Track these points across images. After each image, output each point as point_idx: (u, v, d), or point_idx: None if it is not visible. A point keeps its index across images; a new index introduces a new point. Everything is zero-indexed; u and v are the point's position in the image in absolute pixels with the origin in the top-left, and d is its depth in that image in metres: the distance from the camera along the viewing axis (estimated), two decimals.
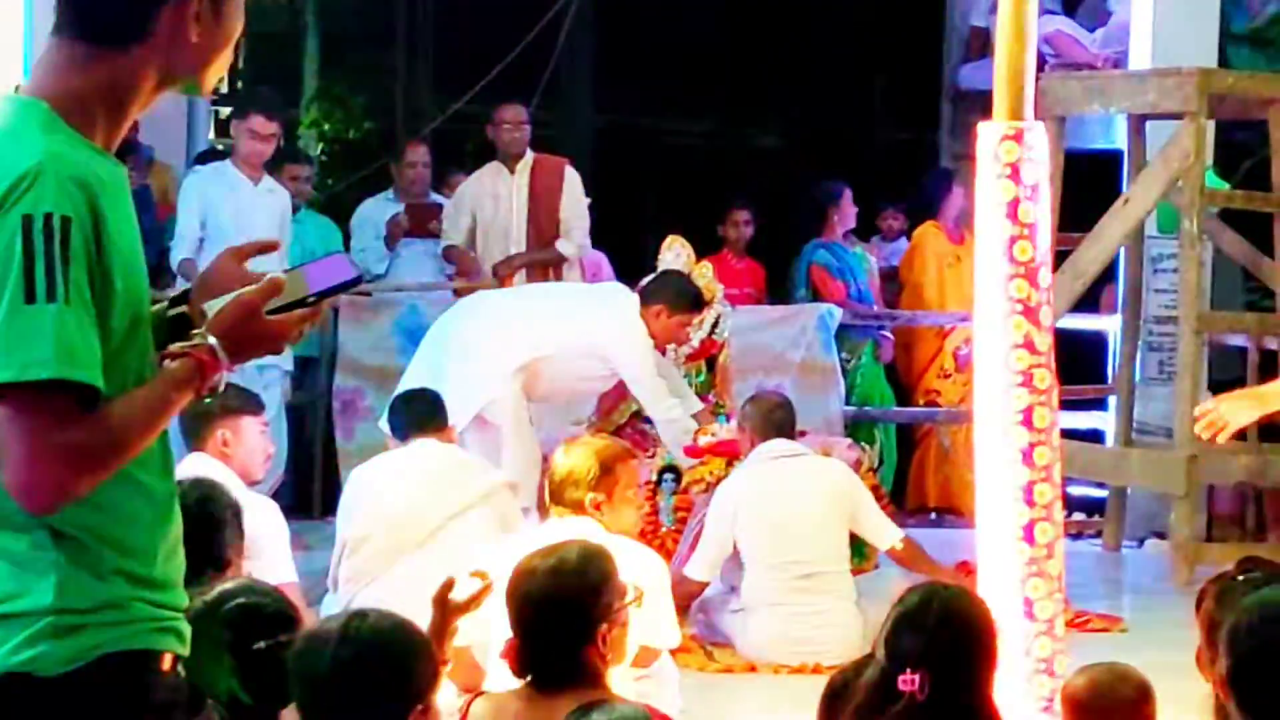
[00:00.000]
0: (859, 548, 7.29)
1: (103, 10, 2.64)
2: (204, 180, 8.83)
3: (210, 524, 4.34)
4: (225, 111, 14.25)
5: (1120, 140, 10.17)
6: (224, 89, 15.12)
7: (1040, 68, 9.38)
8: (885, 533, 7.18)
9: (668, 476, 7.66)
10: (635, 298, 7.74)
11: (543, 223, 9.23)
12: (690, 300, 7.75)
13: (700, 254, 8.58)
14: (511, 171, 9.25)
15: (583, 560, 3.88)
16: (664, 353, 7.88)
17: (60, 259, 2.49)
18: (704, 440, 7.79)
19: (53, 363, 2.47)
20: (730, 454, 7.67)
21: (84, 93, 2.64)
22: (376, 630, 3.22)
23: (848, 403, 10.06)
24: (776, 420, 7.26)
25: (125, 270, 2.59)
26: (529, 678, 3.77)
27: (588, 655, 3.71)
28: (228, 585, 3.67)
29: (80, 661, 2.56)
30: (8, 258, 2.49)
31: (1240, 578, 3.68)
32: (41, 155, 2.53)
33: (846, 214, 10.72)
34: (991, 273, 5.14)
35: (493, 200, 9.30)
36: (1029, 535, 5.02)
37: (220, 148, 11.76)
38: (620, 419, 8.03)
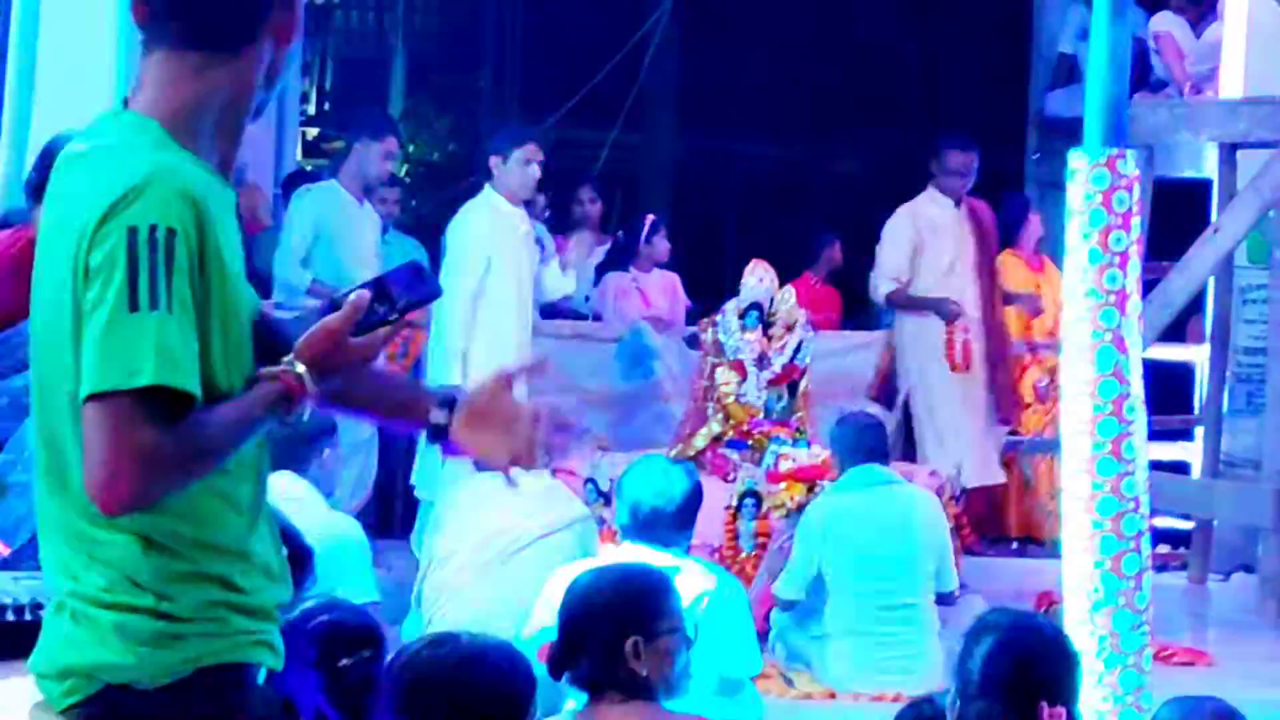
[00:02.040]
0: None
1: (216, 15, 2.67)
2: (316, 200, 8.88)
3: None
4: (313, 132, 14.37)
5: (1209, 169, 10.08)
6: (311, 110, 15.23)
7: (1139, 64, 9.32)
8: (946, 576, 7.09)
9: (748, 501, 7.62)
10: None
11: None
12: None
13: (782, 280, 8.55)
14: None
15: (627, 573, 3.91)
16: None
17: (164, 269, 2.52)
18: (785, 465, 7.75)
19: (153, 370, 2.50)
20: (811, 479, 7.63)
21: (197, 106, 2.67)
22: (440, 660, 3.21)
23: None
24: (867, 444, 7.20)
25: (228, 285, 2.62)
26: (573, 685, 3.77)
27: (621, 667, 3.69)
28: (312, 604, 3.69)
29: (180, 673, 2.59)
30: (112, 267, 2.52)
31: None
32: (150, 168, 2.56)
33: None
34: (1080, 302, 5.09)
35: None
36: (1116, 567, 4.97)
37: (309, 169, 11.84)
38: (702, 443, 8.00)
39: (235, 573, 2.65)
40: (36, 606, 3.04)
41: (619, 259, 10.35)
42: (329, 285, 8.28)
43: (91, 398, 2.51)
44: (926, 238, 9.72)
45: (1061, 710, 3.54)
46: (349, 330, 2.68)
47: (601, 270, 10.30)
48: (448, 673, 3.18)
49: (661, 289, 10.15)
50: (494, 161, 8.24)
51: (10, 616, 3.08)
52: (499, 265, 8.05)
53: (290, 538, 4.39)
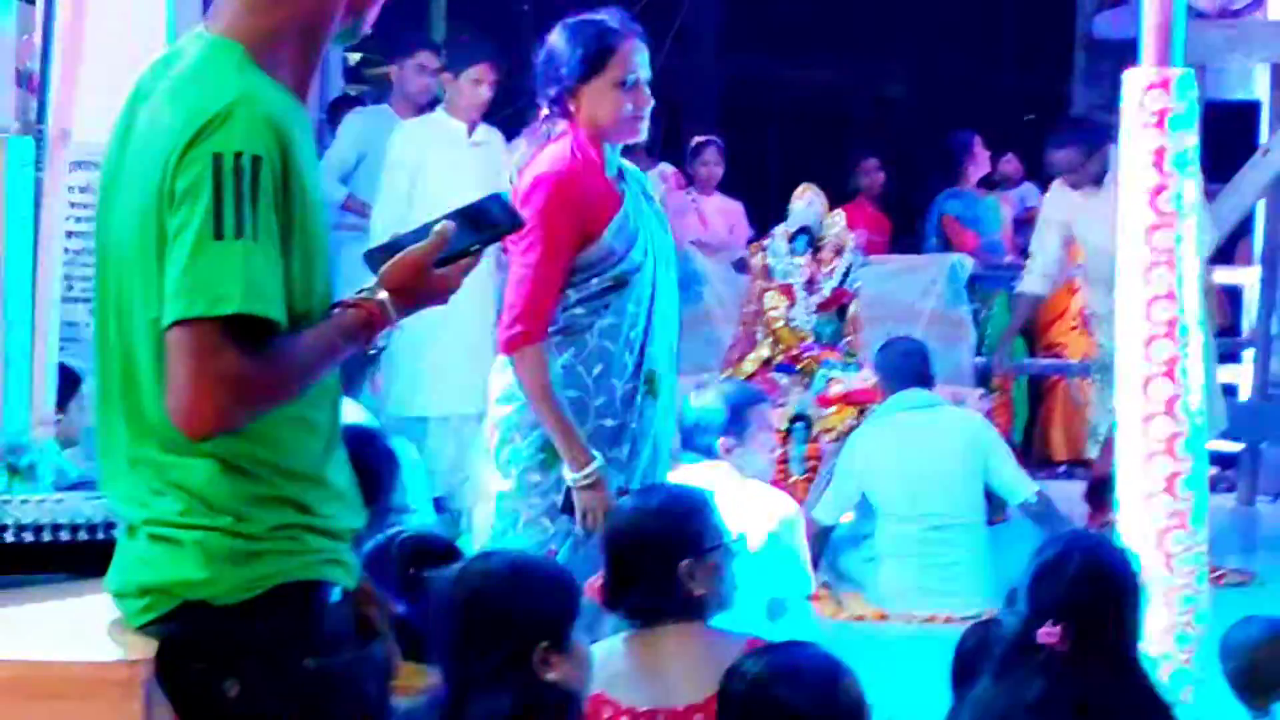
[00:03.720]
0: (993, 497, 7.25)
1: None
2: (366, 122, 8.87)
3: (367, 470, 4.39)
4: (355, 58, 14.34)
5: (1259, 91, 10.01)
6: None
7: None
8: (1020, 487, 7.13)
9: (798, 425, 7.64)
10: None
11: None
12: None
13: (832, 204, 8.53)
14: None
15: (668, 498, 3.91)
16: None
17: (250, 197, 2.53)
18: (835, 389, 7.77)
19: (240, 298, 2.52)
20: (861, 402, 7.64)
21: (277, 31, 2.67)
22: (491, 571, 3.25)
23: (979, 353, 9.99)
24: (912, 368, 7.22)
25: (309, 210, 2.64)
26: (629, 617, 3.78)
27: (674, 591, 3.72)
28: (400, 528, 3.77)
29: (256, 590, 2.62)
30: (197, 194, 2.53)
31: None
32: (234, 95, 2.57)
33: (980, 162, 10.65)
34: (1135, 223, 5.07)
35: None
36: (1170, 488, 4.97)
37: (352, 93, 11.83)
38: (751, 367, 8.02)
39: (311, 497, 2.67)
40: (109, 525, 3.07)
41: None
42: (363, 202, 8.29)
43: (177, 324, 2.53)
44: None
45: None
46: (433, 261, 2.69)
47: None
48: (498, 584, 3.22)
49: (721, 213, 10.14)
50: (445, 78, 8.18)
51: (84, 535, 3.11)
52: (429, 179, 7.90)
53: (373, 442, 4.45)
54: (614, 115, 4.53)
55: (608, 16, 4.62)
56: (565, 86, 4.54)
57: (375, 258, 2.74)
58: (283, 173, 2.58)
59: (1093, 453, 8.42)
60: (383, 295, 2.68)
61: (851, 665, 3.25)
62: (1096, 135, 8.05)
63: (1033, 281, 8.47)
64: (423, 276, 2.70)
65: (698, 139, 10.62)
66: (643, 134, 4.62)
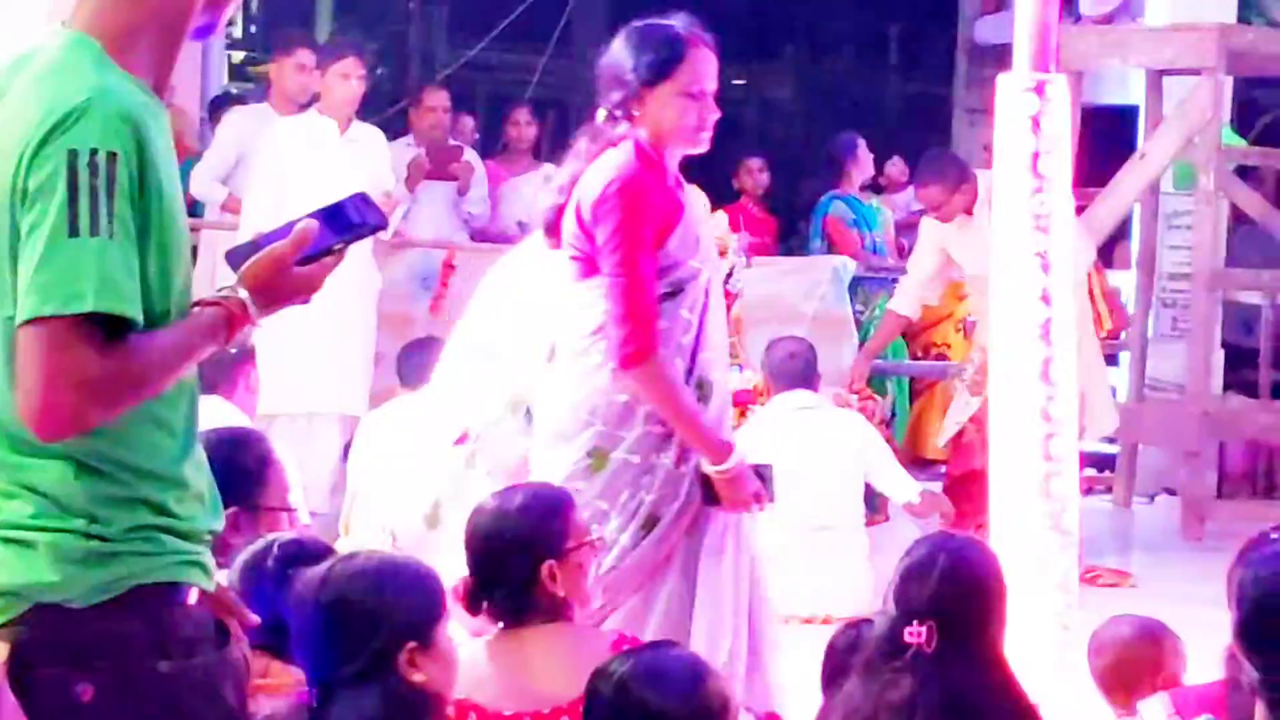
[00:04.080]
0: (871, 500, 7.30)
1: None
2: (243, 121, 8.82)
3: (244, 472, 4.34)
4: (239, 56, 14.25)
5: (1136, 95, 10.13)
6: (237, 33, 15.09)
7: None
8: (903, 487, 7.17)
9: None
10: None
11: None
12: None
13: (714, 205, 8.55)
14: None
15: (530, 499, 3.89)
16: None
17: (105, 194, 2.50)
18: None
19: (94, 296, 2.49)
20: (744, 404, 7.65)
21: (134, 26, 2.65)
22: (355, 572, 3.23)
23: None
24: (797, 369, 7.25)
25: (166, 209, 2.61)
26: (493, 619, 3.77)
27: (539, 592, 3.71)
28: (278, 531, 3.80)
29: (111, 592, 2.59)
30: (52, 191, 2.50)
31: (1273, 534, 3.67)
32: (91, 91, 2.55)
33: (863, 165, 10.70)
34: (1009, 225, 5.11)
35: None
36: (1045, 490, 5.01)
37: (235, 91, 11.75)
38: None
39: (168, 498, 2.65)
40: None
41: None
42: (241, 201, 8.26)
43: (30, 322, 2.50)
44: None
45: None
46: (294, 259, 2.68)
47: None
48: (363, 584, 3.19)
49: None
50: (314, 75, 8.21)
51: None
52: (301, 178, 7.78)
53: (250, 443, 4.40)
54: (679, 123, 4.49)
55: (677, 22, 4.60)
56: (631, 91, 4.49)
57: (237, 256, 2.72)
58: (139, 170, 2.55)
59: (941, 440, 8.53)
60: (242, 294, 2.66)
61: None
62: (959, 170, 8.14)
63: (901, 303, 8.55)
64: (283, 275, 2.68)
65: None
66: (704, 145, 4.61)
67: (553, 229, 4.59)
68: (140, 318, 2.54)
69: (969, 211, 7.98)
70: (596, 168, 4.50)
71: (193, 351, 2.64)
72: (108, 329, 2.51)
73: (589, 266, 4.48)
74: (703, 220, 4.61)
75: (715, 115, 4.54)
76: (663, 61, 4.48)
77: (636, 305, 4.39)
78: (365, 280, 8.10)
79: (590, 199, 4.44)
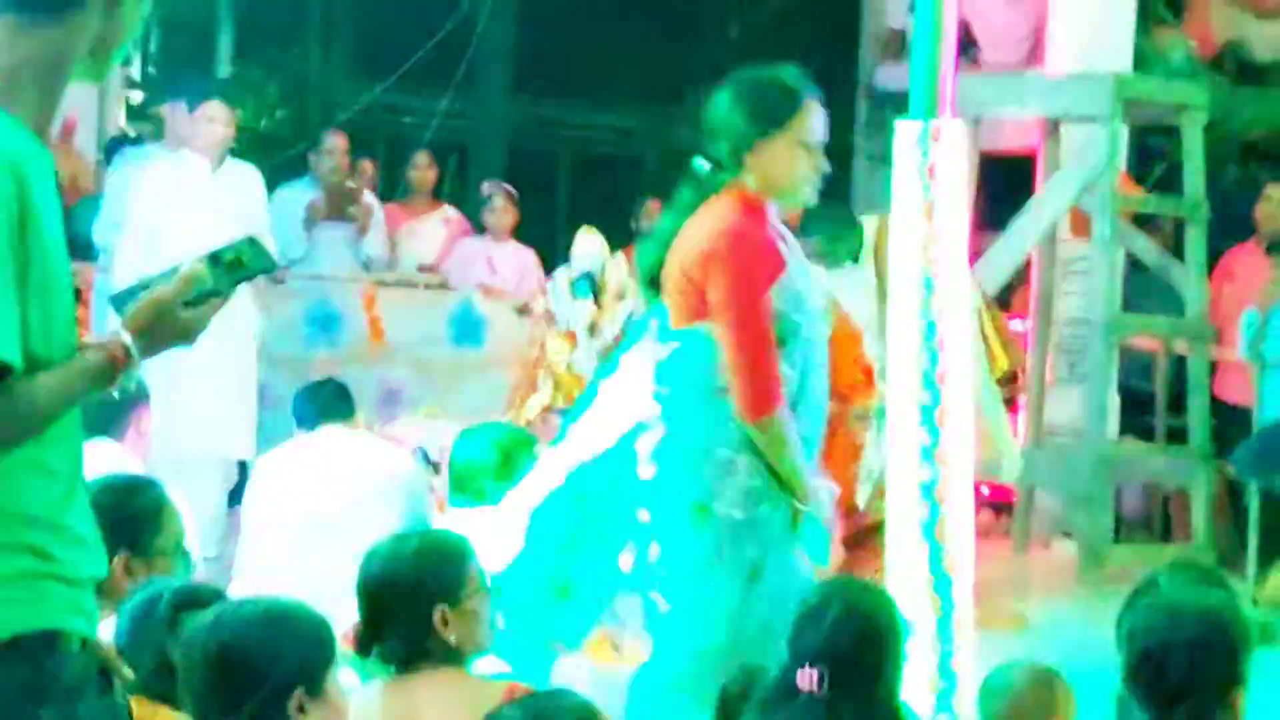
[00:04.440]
0: None
1: None
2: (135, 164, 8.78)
3: (136, 518, 4.29)
4: (136, 97, 14.13)
5: (1033, 142, 10.22)
6: (135, 75, 14.98)
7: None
8: None
9: None
10: None
11: None
12: None
13: (614, 247, 8.56)
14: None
15: (424, 543, 3.88)
16: None
17: None
18: None
19: None
20: None
21: (15, 70, 2.62)
22: (243, 619, 3.20)
23: None
24: None
25: (49, 254, 2.58)
26: (384, 663, 3.75)
27: (431, 637, 3.68)
28: (164, 579, 3.72)
29: None
30: None
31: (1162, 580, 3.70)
32: None
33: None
34: (905, 271, 5.14)
35: None
36: (939, 532, 5.02)
37: (132, 134, 11.65)
38: (533, 413, 7.99)
39: (50, 544, 2.61)
40: None
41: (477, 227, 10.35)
42: None
43: None
44: None
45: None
46: (179, 301, 2.65)
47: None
48: (252, 630, 3.16)
49: (513, 261, 10.11)
50: (182, 113, 8.24)
51: None
52: (172, 218, 7.84)
53: (141, 489, 4.35)
54: (789, 174, 4.51)
55: (786, 75, 4.58)
56: (744, 140, 4.49)
57: (122, 300, 2.70)
58: (20, 214, 2.52)
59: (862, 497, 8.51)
60: (125, 337, 2.63)
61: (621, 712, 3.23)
62: (839, 220, 8.18)
63: None
64: (168, 318, 2.66)
65: (488, 185, 10.59)
66: (813, 197, 4.60)
67: (655, 280, 4.59)
68: (19, 361, 2.51)
69: (855, 258, 8.03)
70: (701, 219, 4.50)
71: (75, 395, 2.62)
72: None
73: (692, 312, 4.46)
74: (804, 274, 4.60)
75: (826, 168, 4.56)
76: (776, 112, 4.48)
77: (757, 357, 4.41)
78: (243, 322, 8.04)
79: (699, 251, 4.44)
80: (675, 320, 4.56)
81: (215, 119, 8.12)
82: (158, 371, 7.17)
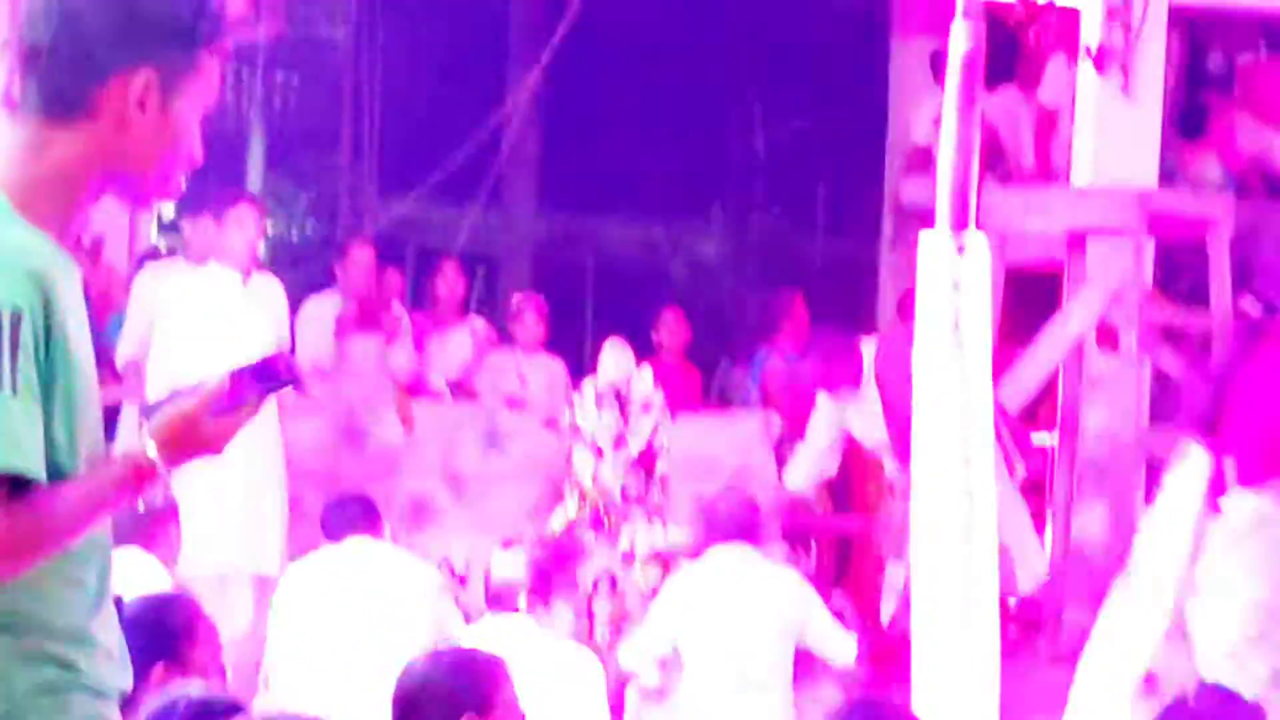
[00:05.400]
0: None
1: (49, 79, 2.62)
2: (156, 279, 8.79)
3: (173, 631, 4.29)
4: (169, 211, 14.25)
5: (1060, 256, 10.22)
6: None
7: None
8: (842, 647, 7.11)
9: (604, 583, 7.61)
10: None
11: None
12: None
13: (640, 358, 8.57)
14: None
15: (461, 657, 3.91)
16: None
17: (9, 351, 2.48)
18: (641, 548, 7.75)
19: None
20: (667, 560, 7.63)
21: (37, 180, 2.62)
22: None
23: None
24: (735, 523, 7.20)
25: (75, 366, 2.58)
26: None
27: None
28: (181, 687, 3.72)
29: None
30: None
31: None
32: None
33: (799, 321, 10.81)
34: (929, 384, 5.14)
35: None
36: (965, 648, 4.99)
37: (162, 249, 11.73)
38: (558, 525, 7.99)
39: (78, 655, 2.60)
40: None
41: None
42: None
43: None
44: None
45: None
46: (205, 413, 2.66)
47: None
48: None
49: (542, 373, 10.12)
50: (208, 225, 8.22)
51: None
52: (200, 330, 7.87)
53: (175, 606, 4.35)
54: None
55: None
56: None
57: (152, 412, 2.71)
58: (45, 327, 2.53)
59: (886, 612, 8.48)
60: (150, 449, 2.63)
61: None
62: (838, 349, 8.22)
63: (794, 476, 8.58)
64: (193, 429, 2.66)
65: (519, 298, 10.62)
66: None
67: None
68: (43, 474, 2.51)
69: (855, 384, 8.08)
70: None
71: (100, 508, 2.61)
72: (10, 486, 2.47)
73: None
74: None
75: None
76: None
77: None
78: (272, 435, 8.04)
79: None
80: None
81: (245, 223, 8.09)
82: (187, 485, 7.27)
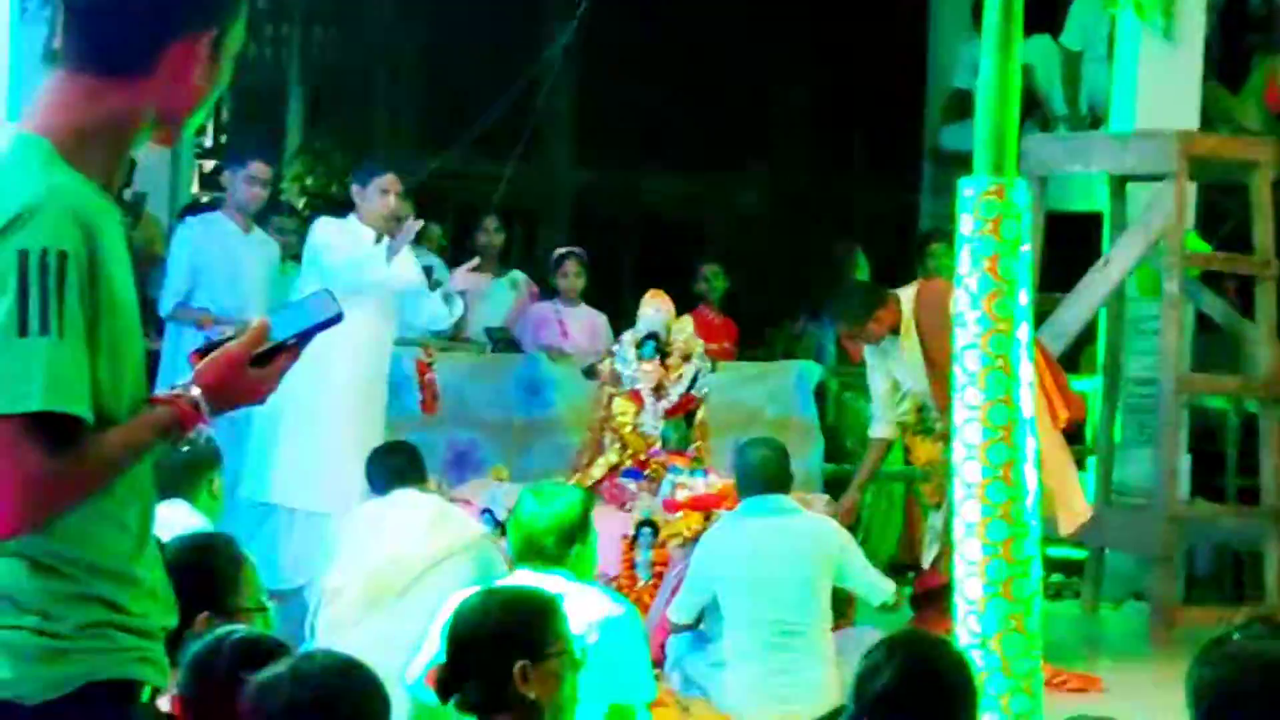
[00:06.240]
0: (838, 604, 7.26)
1: (113, 38, 2.66)
2: (194, 231, 8.86)
3: (215, 575, 4.31)
4: (209, 165, 14.30)
5: (1100, 202, 10.20)
6: (208, 143, 15.15)
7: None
8: (878, 588, 7.15)
9: (645, 530, 7.63)
10: None
11: None
12: None
13: (680, 310, 8.58)
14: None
15: (514, 597, 3.91)
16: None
17: (55, 293, 2.51)
18: (682, 495, 7.76)
19: (43, 395, 2.50)
20: (707, 508, 7.64)
21: (86, 129, 2.66)
22: (325, 670, 3.22)
23: (827, 459, 10.04)
24: (769, 473, 7.21)
25: (118, 308, 2.62)
26: (461, 710, 3.76)
27: (510, 690, 3.69)
28: (226, 627, 3.75)
29: (65, 689, 2.58)
30: (2, 290, 2.51)
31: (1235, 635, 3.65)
32: (43, 190, 2.56)
33: (861, 273, 10.91)
34: (970, 328, 5.13)
35: None
36: (1007, 591, 5.00)
37: (205, 200, 11.78)
38: (599, 473, 8.01)
39: (122, 595, 2.65)
40: None
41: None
42: (213, 315, 8.33)
43: None
44: None
45: None
46: (248, 357, 2.68)
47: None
48: (334, 683, 3.17)
49: (584, 325, 10.14)
50: (355, 191, 8.31)
51: None
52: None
53: (218, 548, 4.38)
54: None
55: None
56: None
57: (198, 355, 2.74)
58: (90, 269, 2.56)
59: (927, 558, 8.48)
60: (195, 392, 2.67)
61: None
62: (867, 301, 8.19)
63: (878, 428, 8.55)
64: (237, 373, 2.69)
65: (560, 251, 10.63)
66: None
67: None
68: (90, 416, 2.54)
69: (895, 331, 8.06)
70: None
71: (144, 449, 2.65)
72: (57, 428, 2.51)
73: None
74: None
75: None
76: None
77: None
78: (370, 375, 8.15)
79: None
80: None
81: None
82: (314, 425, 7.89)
